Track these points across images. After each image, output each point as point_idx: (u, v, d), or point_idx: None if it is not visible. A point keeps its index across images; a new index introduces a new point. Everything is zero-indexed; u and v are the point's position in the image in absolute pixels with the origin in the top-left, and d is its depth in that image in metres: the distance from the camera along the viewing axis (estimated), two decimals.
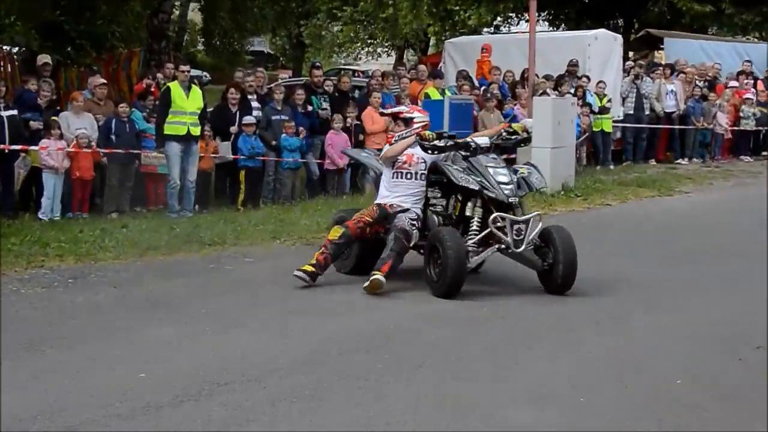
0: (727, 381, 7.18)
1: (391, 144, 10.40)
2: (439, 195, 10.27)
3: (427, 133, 10.21)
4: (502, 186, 9.73)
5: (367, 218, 10.09)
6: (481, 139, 10.33)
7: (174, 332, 8.35)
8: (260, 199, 16.14)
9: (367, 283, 9.57)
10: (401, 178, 10.26)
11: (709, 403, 6.64)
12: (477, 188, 9.73)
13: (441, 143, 10.08)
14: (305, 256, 11.98)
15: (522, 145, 11.35)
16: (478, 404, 6.55)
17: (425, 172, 10.26)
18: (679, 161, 22.41)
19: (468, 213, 9.89)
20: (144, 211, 15.10)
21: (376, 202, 10.40)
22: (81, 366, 7.35)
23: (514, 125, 10.97)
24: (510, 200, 9.72)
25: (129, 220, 13.80)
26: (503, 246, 9.73)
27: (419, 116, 10.61)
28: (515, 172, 10.16)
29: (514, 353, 7.79)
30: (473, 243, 9.71)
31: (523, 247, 9.65)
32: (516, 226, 9.65)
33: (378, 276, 9.51)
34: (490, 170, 9.84)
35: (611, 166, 20.90)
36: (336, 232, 10.09)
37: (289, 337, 8.22)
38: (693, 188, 19.06)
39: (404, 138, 10.28)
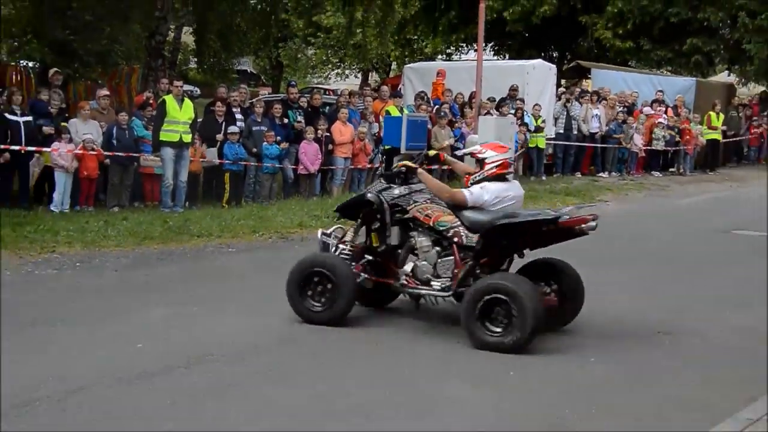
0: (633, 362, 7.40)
1: (468, 185, 8.45)
2: None
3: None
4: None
5: None
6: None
7: (167, 312, 8.43)
8: (242, 198, 16.14)
9: None
10: None
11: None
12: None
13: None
14: (281, 248, 12.13)
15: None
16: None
17: None
18: (600, 174, 22.61)
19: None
20: (141, 206, 15.06)
21: None
22: (86, 339, 7.43)
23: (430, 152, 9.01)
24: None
25: (128, 214, 13.80)
26: None
27: (492, 155, 8.35)
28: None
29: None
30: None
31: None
32: None
33: None
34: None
35: (543, 177, 21.10)
36: None
37: (268, 319, 8.28)
38: (611, 198, 19.29)
39: (477, 180, 8.30)
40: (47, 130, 14.42)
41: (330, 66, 41.84)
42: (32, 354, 6.91)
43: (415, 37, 34.66)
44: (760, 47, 25.95)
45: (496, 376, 6.81)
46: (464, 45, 34.96)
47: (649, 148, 23.70)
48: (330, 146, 17.27)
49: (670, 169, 24.34)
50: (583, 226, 7.69)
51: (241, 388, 6.33)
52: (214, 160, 16.03)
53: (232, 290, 9.56)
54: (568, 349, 7.58)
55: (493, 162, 8.25)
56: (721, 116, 25.67)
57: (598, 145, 22.86)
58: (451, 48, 35.51)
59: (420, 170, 8.57)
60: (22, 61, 19.97)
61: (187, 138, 15.01)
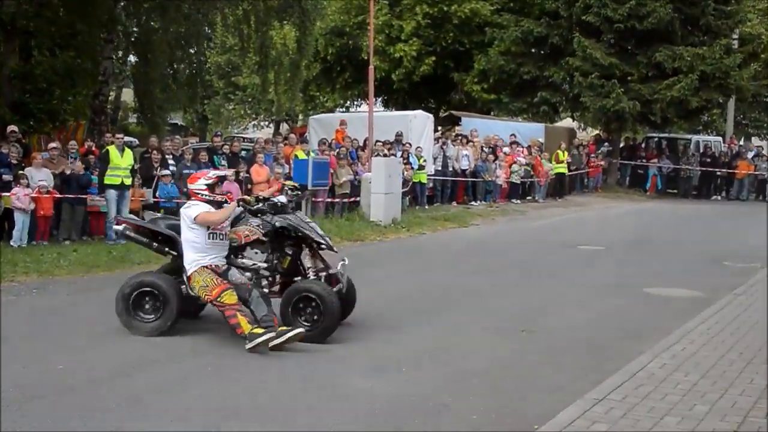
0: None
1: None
2: (258, 252, 8.23)
3: (249, 198, 8.56)
4: (326, 237, 8.19)
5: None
6: (281, 198, 8.32)
7: (113, 328, 8.17)
8: None
9: (291, 335, 7.33)
10: (216, 239, 7.84)
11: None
12: (317, 239, 8.04)
13: (260, 205, 8.24)
14: None
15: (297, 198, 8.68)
16: None
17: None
18: (472, 203, 22.88)
19: (307, 263, 8.04)
20: (89, 239, 14.68)
21: (201, 265, 7.72)
22: (41, 350, 7.19)
23: (287, 183, 8.89)
24: (335, 249, 8.21)
25: (78, 246, 13.44)
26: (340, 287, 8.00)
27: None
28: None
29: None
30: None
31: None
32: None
33: (298, 330, 7.43)
34: (311, 225, 8.20)
35: (426, 207, 21.24)
36: (232, 298, 7.53)
37: (187, 332, 8.16)
38: (481, 221, 19.60)
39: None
40: (6, 177, 14.00)
41: (247, 118, 41.64)
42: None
43: (317, 93, 34.64)
44: (592, 100, 26.91)
45: (385, 368, 6.87)
46: (358, 99, 35.16)
47: (509, 180, 24.13)
48: (249, 185, 17.06)
49: (527, 198, 24.82)
50: None
51: (171, 386, 6.21)
52: (151, 199, 15.75)
53: None
54: (438, 346, 7.67)
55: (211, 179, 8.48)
56: (566, 154, 26.35)
57: (469, 179, 23.18)
58: (348, 102, 35.70)
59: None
60: None
61: (128, 181, 14.72)
